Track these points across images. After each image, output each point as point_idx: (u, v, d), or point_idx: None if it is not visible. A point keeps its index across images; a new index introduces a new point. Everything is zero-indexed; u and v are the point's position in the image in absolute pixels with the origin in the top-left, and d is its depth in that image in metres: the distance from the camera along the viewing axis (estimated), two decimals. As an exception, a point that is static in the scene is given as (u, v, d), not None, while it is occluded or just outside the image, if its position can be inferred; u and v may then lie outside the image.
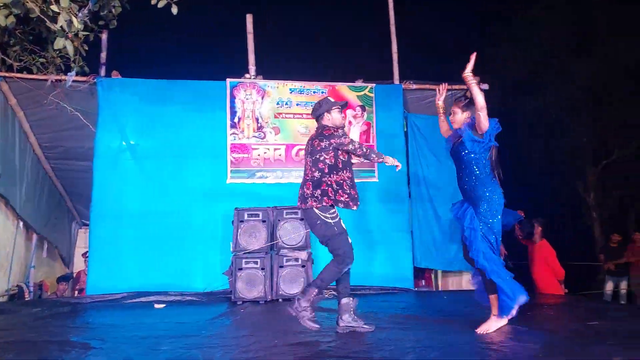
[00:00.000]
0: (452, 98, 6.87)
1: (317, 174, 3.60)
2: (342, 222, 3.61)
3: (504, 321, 3.49)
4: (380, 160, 3.73)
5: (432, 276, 7.72)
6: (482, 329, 3.45)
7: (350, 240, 3.59)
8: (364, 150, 3.66)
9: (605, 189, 14.79)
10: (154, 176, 6.02)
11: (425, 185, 6.65)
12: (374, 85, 6.67)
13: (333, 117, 3.73)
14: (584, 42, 13.87)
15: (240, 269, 5.37)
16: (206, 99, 6.29)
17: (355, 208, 3.60)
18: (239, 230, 5.50)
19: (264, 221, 5.55)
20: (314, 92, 6.56)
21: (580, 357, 2.83)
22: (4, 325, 4.01)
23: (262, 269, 5.39)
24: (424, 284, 7.40)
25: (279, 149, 6.37)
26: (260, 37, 6.65)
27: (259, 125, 6.35)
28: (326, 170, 3.58)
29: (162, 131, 6.13)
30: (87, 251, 6.67)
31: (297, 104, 6.49)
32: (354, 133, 6.52)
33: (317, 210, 3.53)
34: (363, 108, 6.59)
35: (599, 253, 9.84)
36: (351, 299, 3.62)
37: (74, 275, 8.51)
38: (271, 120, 6.39)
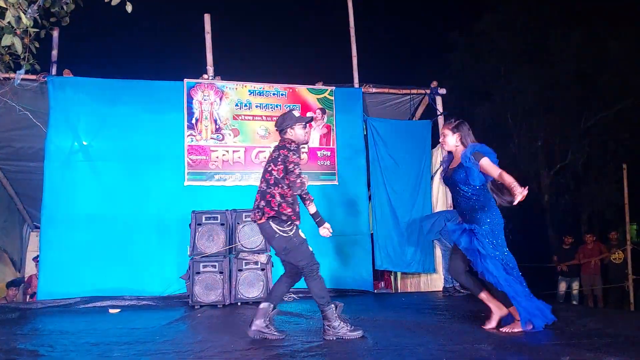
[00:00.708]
0: (411, 102, 7.13)
1: (264, 185, 3.56)
2: (300, 232, 3.55)
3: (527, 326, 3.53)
4: (307, 202, 3.48)
5: (391, 278, 7.85)
6: (505, 329, 3.55)
7: (310, 249, 3.53)
8: (301, 181, 3.45)
9: (559, 191, 15.38)
10: (107, 178, 5.86)
11: (385, 189, 6.74)
12: (334, 88, 6.72)
13: (296, 133, 3.64)
14: (535, 51, 14.42)
15: (198, 272, 5.30)
16: (162, 99, 6.17)
17: (297, 223, 3.54)
18: (197, 233, 5.42)
19: (222, 224, 5.49)
20: (274, 94, 6.54)
21: (530, 356, 2.92)
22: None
23: (221, 272, 5.33)
24: (383, 285, 7.51)
25: (238, 151, 6.32)
26: (219, 38, 6.58)
27: (218, 126, 6.28)
28: (272, 182, 3.53)
29: (116, 132, 5.98)
30: (38, 255, 6.43)
31: (257, 106, 6.45)
32: (314, 136, 6.54)
33: (272, 224, 3.47)
34: (323, 111, 6.63)
35: (553, 254, 10.19)
36: (271, 306, 3.54)
37: (26, 279, 8.18)
38: (230, 122, 6.33)
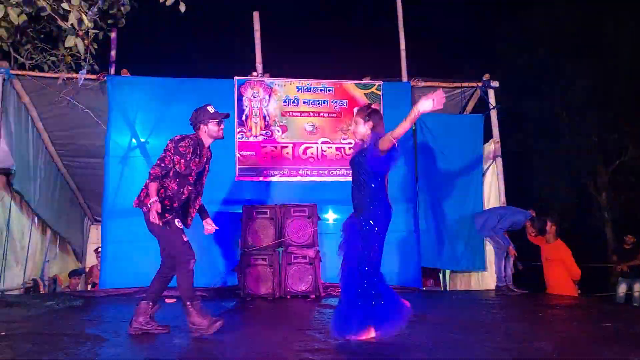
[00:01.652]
0: (462, 96, 6.98)
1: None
2: (177, 222, 3.43)
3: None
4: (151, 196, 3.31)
5: (440, 276, 7.72)
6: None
7: (185, 239, 3.43)
8: (155, 172, 3.35)
9: (618, 189, 14.63)
10: (163, 173, 6.06)
11: (433, 184, 6.64)
12: (381, 82, 6.67)
13: (209, 129, 3.55)
14: (589, 41, 13.76)
15: (249, 265, 5.42)
16: (214, 97, 6.22)
17: (157, 222, 3.31)
18: (248, 227, 5.55)
19: (271, 219, 5.59)
20: (321, 90, 6.58)
21: (591, 358, 2.80)
22: (21, 317, 4.11)
23: (271, 266, 5.44)
24: (432, 283, 7.40)
25: (286, 147, 6.40)
26: (267, 35, 6.68)
27: (266, 123, 6.38)
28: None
29: (171, 129, 6.04)
30: (99, 247, 6.76)
31: (304, 102, 6.51)
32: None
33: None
34: (371, 106, 6.59)
35: (612, 254, 9.71)
36: (150, 304, 3.50)
37: (87, 270, 8.62)
38: (278, 118, 6.42)
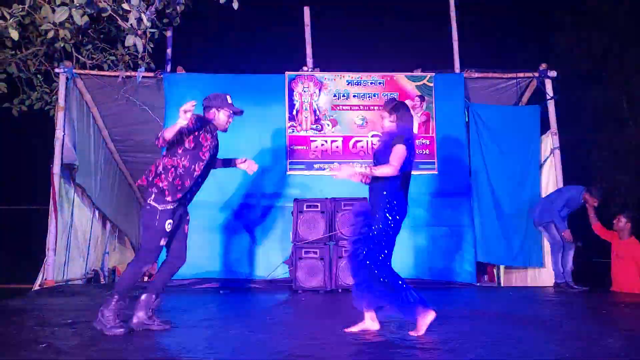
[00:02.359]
0: (517, 86, 6.73)
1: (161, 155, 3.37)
2: (167, 223, 3.21)
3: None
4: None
5: (495, 271, 7.52)
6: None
7: (162, 243, 3.25)
8: (160, 137, 3.20)
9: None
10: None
11: (487, 177, 6.44)
12: (433, 74, 6.52)
13: (219, 117, 3.45)
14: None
15: (300, 258, 5.46)
16: (265, 92, 6.38)
17: (169, 199, 3.19)
18: (299, 220, 5.58)
19: (322, 212, 5.60)
20: (371, 83, 6.52)
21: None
22: (85, 306, 4.31)
23: (322, 259, 5.45)
24: (486, 279, 7.22)
25: (337, 141, 6.39)
26: (318, 29, 6.68)
27: (317, 117, 6.40)
28: (164, 152, 3.36)
29: (224, 124, 6.29)
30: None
31: (354, 96, 6.48)
32: (413, 124, 6.43)
33: (152, 196, 3.22)
34: (422, 98, 6.48)
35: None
36: (153, 296, 3.34)
37: (142, 262, 8.93)
38: (328, 112, 6.42)
